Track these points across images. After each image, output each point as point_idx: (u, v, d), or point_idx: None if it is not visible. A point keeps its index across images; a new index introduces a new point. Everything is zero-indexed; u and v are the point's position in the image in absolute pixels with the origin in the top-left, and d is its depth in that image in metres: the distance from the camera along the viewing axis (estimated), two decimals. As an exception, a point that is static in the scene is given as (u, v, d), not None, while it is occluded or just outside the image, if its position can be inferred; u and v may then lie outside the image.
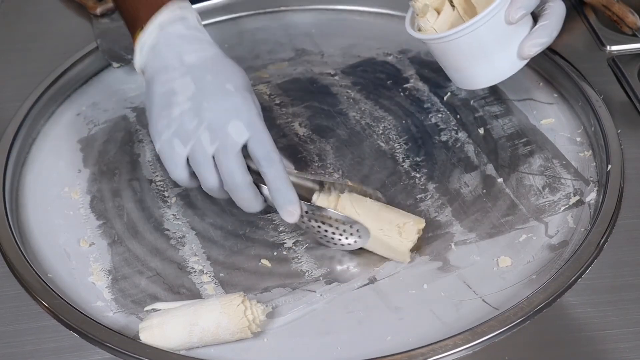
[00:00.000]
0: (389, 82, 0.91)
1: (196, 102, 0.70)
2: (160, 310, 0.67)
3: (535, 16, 0.76)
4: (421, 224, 0.71)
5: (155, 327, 0.65)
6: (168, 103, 0.71)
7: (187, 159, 0.70)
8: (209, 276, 0.71)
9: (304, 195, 0.73)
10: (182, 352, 0.65)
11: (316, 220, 0.71)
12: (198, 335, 0.64)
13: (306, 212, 0.70)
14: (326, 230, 0.71)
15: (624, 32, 0.91)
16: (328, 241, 0.72)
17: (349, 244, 0.71)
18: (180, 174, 0.71)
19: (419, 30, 0.77)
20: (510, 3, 0.72)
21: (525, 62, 0.76)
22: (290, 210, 0.69)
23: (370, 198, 0.72)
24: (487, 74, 0.77)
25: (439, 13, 0.76)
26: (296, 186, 0.70)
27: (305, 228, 0.72)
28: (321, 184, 0.73)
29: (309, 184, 0.73)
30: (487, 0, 0.73)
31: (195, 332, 0.64)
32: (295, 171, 0.76)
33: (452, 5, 0.76)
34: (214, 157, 0.69)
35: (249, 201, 0.70)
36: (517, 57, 0.75)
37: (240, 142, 0.69)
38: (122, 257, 0.74)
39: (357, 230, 0.70)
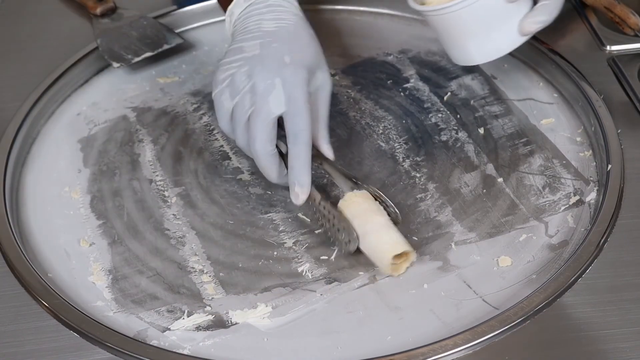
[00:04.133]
0: (389, 82, 0.91)
1: (252, 64, 0.73)
2: None
3: None
4: (411, 258, 0.70)
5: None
6: (233, 59, 0.75)
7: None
8: (209, 276, 0.71)
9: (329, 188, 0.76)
10: (184, 352, 0.65)
11: (323, 216, 0.72)
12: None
13: (319, 202, 0.72)
14: (327, 225, 0.72)
15: (626, 34, 0.91)
16: (325, 234, 0.73)
17: (335, 247, 0.72)
18: (224, 125, 0.76)
19: (422, 4, 0.78)
20: None
21: (524, 39, 0.77)
22: (297, 192, 0.72)
23: (386, 211, 0.72)
24: (485, 48, 0.78)
25: None
26: (332, 178, 0.74)
27: (315, 216, 0.73)
28: (356, 184, 0.74)
29: (343, 180, 0.75)
30: None
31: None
32: (336, 163, 0.77)
33: None
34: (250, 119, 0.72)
35: (266, 170, 0.74)
36: (517, 33, 0.77)
37: (275, 112, 0.72)
38: (122, 257, 0.74)
39: (348, 240, 0.70)
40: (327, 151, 0.76)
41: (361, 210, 0.71)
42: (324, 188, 0.77)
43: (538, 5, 0.76)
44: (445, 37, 0.79)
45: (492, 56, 0.79)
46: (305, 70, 0.73)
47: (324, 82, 0.76)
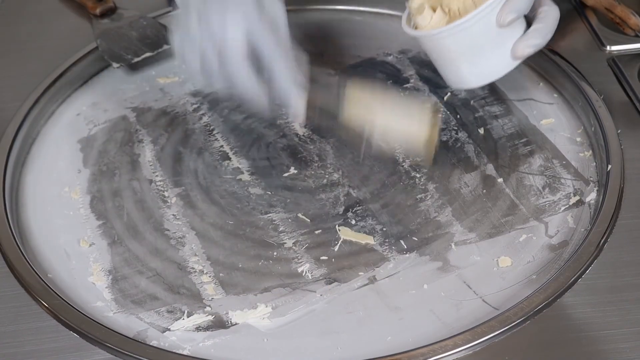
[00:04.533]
0: (389, 82, 0.91)
1: (196, 13, 0.72)
2: None
3: (530, 20, 0.77)
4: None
5: None
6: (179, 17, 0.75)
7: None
8: (209, 276, 0.71)
9: None
10: (184, 353, 0.65)
11: None
12: None
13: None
14: None
15: (626, 34, 0.91)
16: None
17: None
18: (199, 78, 0.74)
19: (415, 28, 0.77)
20: (502, 6, 0.73)
21: (517, 62, 0.77)
22: (294, 109, 0.74)
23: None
24: (480, 72, 0.77)
25: (434, 12, 0.76)
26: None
27: None
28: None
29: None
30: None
31: None
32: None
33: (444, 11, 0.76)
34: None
35: (256, 100, 0.74)
36: (510, 57, 0.76)
37: (239, 47, 0.71)
38: (122, 257, 0.74)
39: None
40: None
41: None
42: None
43: (531, 28, 0.76)
44: (440, 61, 0.79)
45: (488, 79, 0.78)
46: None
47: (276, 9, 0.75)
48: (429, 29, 0.76)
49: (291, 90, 0.73)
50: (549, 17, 0.76)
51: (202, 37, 0.72)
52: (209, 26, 0.72)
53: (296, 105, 0.74)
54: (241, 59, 0.72)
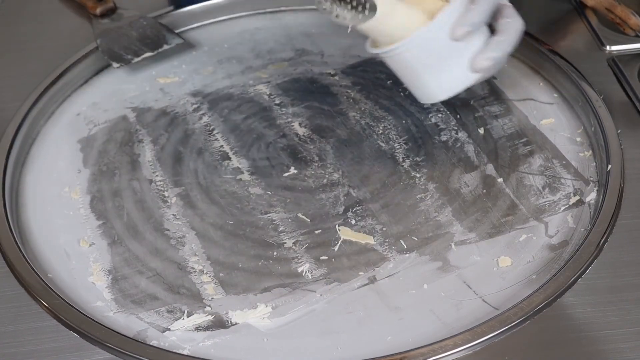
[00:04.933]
0: (389, 82, 0.91)
1: None
2: None
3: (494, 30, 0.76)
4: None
5: None
6: None
7: None
8: (209, 276, 0.71)
9: None
10: (184, 353, 0.65)
11: None
12: None
13: None
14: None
15: (627, 34, 0.91)
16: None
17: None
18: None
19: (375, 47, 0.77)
20: (456, 19, 0.72)
21: (479, 76, 0.75)
22: None
23: None
24: (443, 85, 0.76)
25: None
26: None
27: None
28: None
29: None
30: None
31: None
32: None
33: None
34: None
35: None
36: (469, 70, 0.74)
37: None
38: (122, 257, 0.74)
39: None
40: None
41: None
42: None
43: (492, 40, 0.74)
44: (405, 77, 0.78)
45: (454, 91, 0.77)
46: None
47: None
48: (389, 45, 0.74)
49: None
50: (511, 29, 0.74)
51: None
52: None
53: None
54: None
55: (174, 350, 0.65)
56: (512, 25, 0.75)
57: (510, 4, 0.76)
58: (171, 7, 1.00)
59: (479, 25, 0.73)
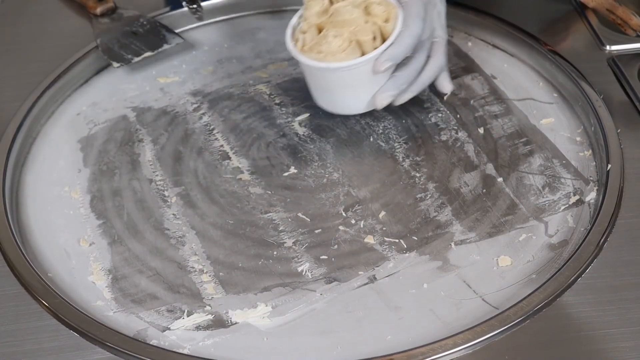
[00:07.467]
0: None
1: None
2: None
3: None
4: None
5: None
6: None
7: None
8: (209, 276, 0.71)
9: None
10: (184, 352, 0.65)
11: None
12: None
13: None
14: None
15: (628, 35, 0.91)
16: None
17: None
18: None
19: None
20: (380, 55, 0.76)
21: (404, 97, 0.81)
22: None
23: None
24: (358, 104, 0.81)
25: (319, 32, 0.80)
26: None
27: None
28: None
29: None
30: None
31: None
32: None
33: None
34: None
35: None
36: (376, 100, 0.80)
37: None
38: (122, 257, 0.74)
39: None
40: None
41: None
42: None
43: (389, 78, 0.79)
44: (320, 88, 0.82)
45: (367, 109, 0.81)
46: None
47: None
48: (330, 59, 0.77)
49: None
50: (410, 66, 0.79)
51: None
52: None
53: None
54: None
55: (174, 350, 0.65)
56: (413, 63, 0.79)
57: (442, 40, 0.81)
58: (169, 8, 1.00)
59: (400, 59, 0.78)
